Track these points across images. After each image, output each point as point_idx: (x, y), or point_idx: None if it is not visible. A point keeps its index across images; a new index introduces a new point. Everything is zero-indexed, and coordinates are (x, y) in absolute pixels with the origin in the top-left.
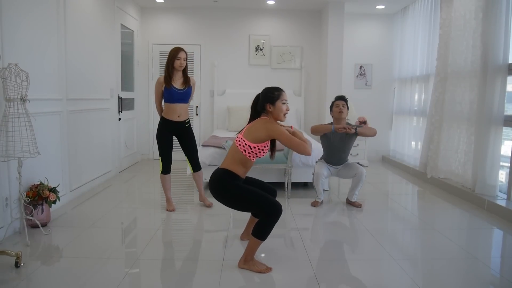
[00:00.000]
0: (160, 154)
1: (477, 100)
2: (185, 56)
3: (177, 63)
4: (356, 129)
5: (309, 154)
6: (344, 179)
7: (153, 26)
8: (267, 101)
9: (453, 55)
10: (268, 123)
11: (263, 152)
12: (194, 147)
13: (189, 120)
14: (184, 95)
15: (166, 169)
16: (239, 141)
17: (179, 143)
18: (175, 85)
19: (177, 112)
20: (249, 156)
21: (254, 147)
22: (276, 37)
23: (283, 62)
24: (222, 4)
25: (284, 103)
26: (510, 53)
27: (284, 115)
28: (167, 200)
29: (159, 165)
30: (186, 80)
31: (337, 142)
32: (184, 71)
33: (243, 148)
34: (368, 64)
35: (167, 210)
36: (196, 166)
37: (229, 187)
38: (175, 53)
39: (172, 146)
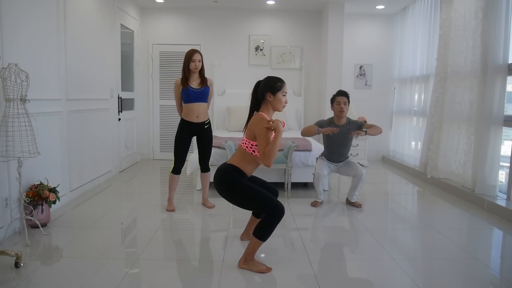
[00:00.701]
0: (175, 154)
1: (477, 100)
2: (200, 58)
3: (192, 65)
4: (366, 131)
5: (266, 165)
6: (344, 177)
7: (153, 26)
8: (268, 90)
9: (453, 55)
10: (257, 119)
11: None
12: (209, 149)
13: (209, 121)
14: (201, 94)
15: (177, 169)
16: (245, 143)
17: (197, 142)
18: (191, 85)
19: (196, 113)
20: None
21: None
22: (276, 37)
23: (283, 62)
24: (222, 4)
25: (284, 95)
26: (510, 53)
27: (283, 106)
28: (169, 200)
29: (171, 164)
30: (203, 80)
31: (338, 137)
32: (201, 72)
33: (251, 149)
34: (368, 64)
35: (167, 210)
36: (205, 167)
37: (234, 183)
38: (189, 55)
39: (188, 148)
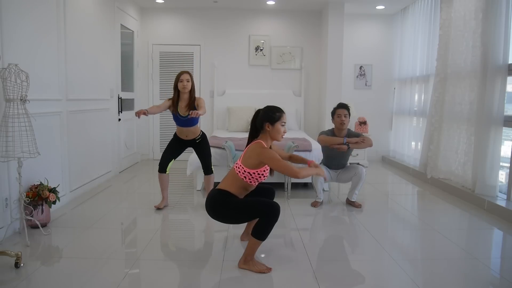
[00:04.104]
0: (162, 153)
1: (477, 100)
2: (188, 78)
3: (180, 85)
4: (348, 145)
5: (297, 177)
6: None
7: (153, 26)
8: (267, 120)
9: (453, 55)
10: (259, 148)
11: (264, 176)
12: (206, 157)
13: (199, 136)
14: (188, 122)
15: (160, 167)
16: (238, 168)
17: (195, 151)
18: (180, 110)
19: (184, 133)
20: (250, 182)
21: (254, 173)
22: (276, 37)
23: (283, 62)
24: (222, 4)
25: (283, 125)
26: (510, 53)
27: (282, 136)
28: (162, 198)
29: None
30: (191, 103)
31: (338, 150)
32: (191, 93)
33: (243, 175)
34: (368, 65)
35: (154, 206)
36: (208, 171)
37: (224, 205)
38: (178, 75)
39: (175, 155)
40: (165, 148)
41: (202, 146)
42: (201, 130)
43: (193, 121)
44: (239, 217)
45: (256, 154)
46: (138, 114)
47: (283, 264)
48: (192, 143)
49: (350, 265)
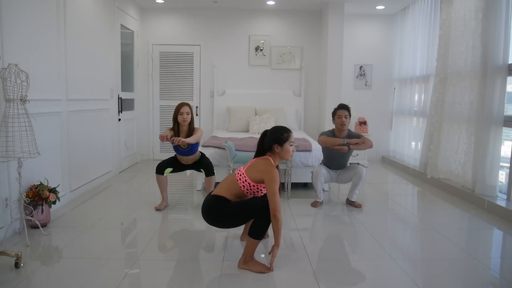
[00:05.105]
0: (164, 160)
1: (477, 100)
2: (188, 111)
3: (180, 118)
4: (349, 146)
5: (274, 214)
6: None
7: (153, 26)
8: (275, 142)
9: (453, 55)
10: (268, 166)
11: (262, 192)
12: (209, 168)
13: (198, 157)
14: (187, 152)
15: (157, 169)
16: (240, 175)
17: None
18: (180, 143)
19: (185, 160)
20: (247, 193)
21: (253, 186)
22: (276, 38)
23: (283, 62)
24: (222, 4)
25: (292, 145)
26: (510, 53)
27: (291, 155)
28: (162, 200)
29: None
30: (191, 135)
31: (338, 151)
32: (190, 124)
33: (242, 184)
34: (368, 65)
35: (155, 208)
36: (208, 172)
37: (219, 209)
38: (178, 108)
39: (174, 167)
40: (169, 158)
41: (201, 162)
42: (199, 152)
43: (192, 151)
44: (234, 220)
45: (262, 171)
46: (162, 139)
47: (283, 264)
48: (192, 166)
49: (350, 265)
